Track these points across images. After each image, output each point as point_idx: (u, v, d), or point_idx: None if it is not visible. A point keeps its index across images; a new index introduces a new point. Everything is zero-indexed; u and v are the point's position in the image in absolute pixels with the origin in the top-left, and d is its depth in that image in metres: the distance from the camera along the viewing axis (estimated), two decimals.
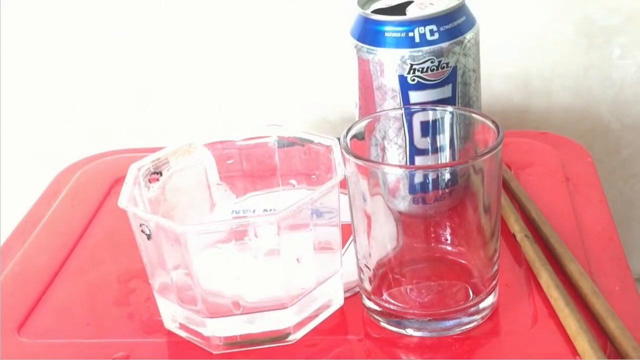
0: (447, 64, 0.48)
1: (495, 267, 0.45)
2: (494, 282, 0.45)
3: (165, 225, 0.41)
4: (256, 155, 0.50)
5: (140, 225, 0.42)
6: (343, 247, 0.47)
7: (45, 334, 0.47)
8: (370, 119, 0.47)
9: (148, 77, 0.74)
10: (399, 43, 0.48)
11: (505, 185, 0.55)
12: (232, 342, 0.44)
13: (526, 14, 0.69)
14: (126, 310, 0.48)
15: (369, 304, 0.45)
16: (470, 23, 0.49)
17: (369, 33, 0.49)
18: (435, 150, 0.48)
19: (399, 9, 0.49)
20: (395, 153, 0.48)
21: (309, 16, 0.71)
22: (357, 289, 0.46)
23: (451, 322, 0.44)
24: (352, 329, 0.45)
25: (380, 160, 0.48)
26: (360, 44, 0.49)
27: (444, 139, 0.47)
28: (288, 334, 0.44)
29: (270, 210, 0.51)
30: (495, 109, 0.72)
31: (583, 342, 0.41)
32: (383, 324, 0.45)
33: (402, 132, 0.48)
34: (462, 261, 0.46)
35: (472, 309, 0.44)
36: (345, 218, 0.45)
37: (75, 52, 0.74)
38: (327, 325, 0.45)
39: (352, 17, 0.50)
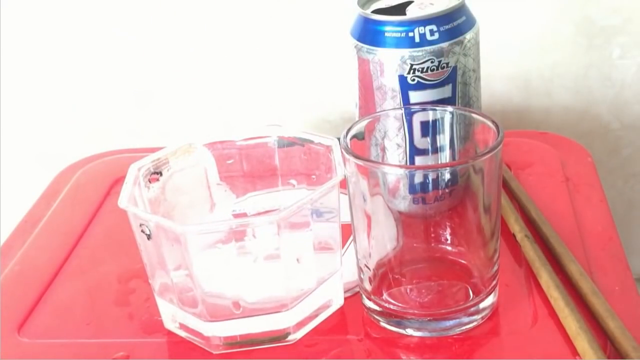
0: (447, 64, 0.48)
1: (495, 267, 0.45)
2: (494, 282, 0.45)
3: (165, 225, 0.41)
4: (256, 155, 0.50)
5: (140, 225, 0.42)
6: (343, 247, 0.47)
7: (45, 334, 0.47)
8: (370, 119, 0.47)
9: (148, 77, 0.74)
10: (399, 43, 0.48)
11: (505, 185, 0.55)
12: (232, 342, 0.44)
13: (526, 14, 0.69)
14: (126, 310, 0.48)
15: (369, 304, 0.45)
16: (470, 23, 0.49)
17: (369, 33, 0.49)
18: (435, 150, 0.48)
19: (399, 9, 0.49)
20: (395, 153, 0.48)
21: (309, 16, 0.71)
22: (357, 289, 0.46)
23: (451, 322, 0.44)
24: (352, 329, 0.45)
25: (380, 160, 0.48)
26: (360, 44, 0.49)
27: (444, 139, 0.47)
28: (288, 334, 0.44)
29: (270, 210, 0.51)
30: (495, 109, 0.72)
31: (583, 342, 0.41)
32: (383, 324, 0.45)
33: (402, 132, 0.48)
34: (462, 261, 0.46)
35: (472, 309, 0.44)
36: (345, 218, 0.45)
37: (75, 52, 0.74)
38: (327, 325, 0.45)
39: (352, 17, 0.50)
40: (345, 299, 0.47)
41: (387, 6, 0.50)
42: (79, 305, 0.49)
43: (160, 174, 0.47)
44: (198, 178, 0.49)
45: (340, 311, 0.46)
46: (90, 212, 0.58)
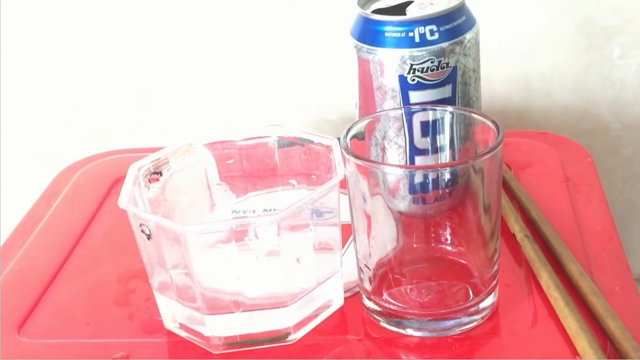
0: (447, 64, 0.48)
1: (495, 267, 0.45)
2: (494, 282, 0.45)
3: (165, 225, 0.41)
4: (256, 155, 0.50)
5: (140, 225, 0.42)
6: (343, 247, 0.47)
7: (45, 334, 0.47)
8: (370, 119, 0.47)
9: (148, 77, 0.74)
10: (399, 43, 0.48)
11: (505, 185, 0.55)
12: (232, 342, 0.44)
13: (526, 14, 0.69)
14: (126, 310, 0.48)
15: (369, 304, 0.45)
16: (470, 23, 0.49)
17: (369, 33, 0.49)
18: (435, 150, 0.48)
19: (399, 9, 0.49)
20: (395, 153, 0.48)
21: (309, 16, 0.71)
22: (357, 289, 0.46)
23: (451, 322, 0.44)
24: (352, 329, 0.45)
25: (380, 160, 0.48)
26: (360, 44, 0.49)
27: (444, 139, 0.47)
28: (288, 334, 0.44)
29: (270, 210, 0.51)
30: (495, 109, 0.72)
31: (583, 342, 0.41)
32: (383, 324, 0.45)
33: (402, 132, 0.48)
34: (462, 261, 0.46)
35: (472, 309, 0.44)
36: (345, 218, 0.45)
37: (76, 52, 0.74)
38: (327, 325, 0.45)
39: (352, 17, 0.50)
40: (345, 299, 0.47)
41: (387, 6, 0.50)
42: (79, 305, 0.49)
43: (160, 174, 0.47)
44: (198, 178, 0.49)
45: (340, 311, 0.46)
46: (90, 212, 0.58)
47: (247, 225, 0.41)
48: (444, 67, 0.48)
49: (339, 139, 0.45)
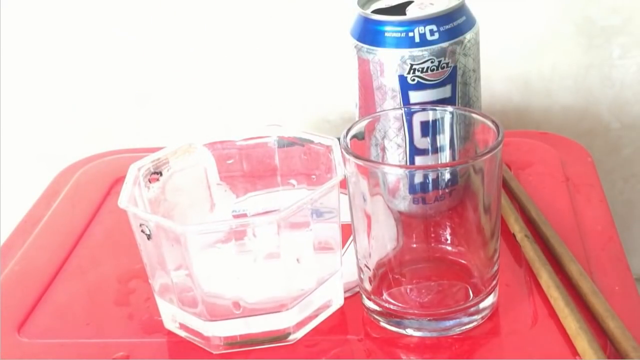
0: (447, 64, 0.48)
1: (495, 267, 0.45)
2: (494, 282, 0.45)
3: (165, 225, 0.41)
4: (256, 155, 0.50)
5: (140, 225, 0.42)
6: (343, 247, 0.47)
7: (45, 334, 0.47)
8: (370, 119, 0.47)
9: (148, 77, 0.74)
10: (399, 43, 0.48)
11: (505, 185, 0.55)
12: (232, 342, 0.44)
13: (526, 14, 0.69)
14: (126, 310, 0.48)
15: (369, 304, 0.45)
16: (470, 23, 0.49)
17: (369, 33, 0.49)
18: (435, 150, 0.48)
19: (399, 9, 0.49)
20: (395, 153, 0.48)
21: (309, 16, 0.71)
22: (357, 289, 0.46)
23: (451, 322, 0.44)
24: (352, 329, 0.45)
25: (380, 160, 0.48)
26: (360, 44, 0.49)
27: (444, 139, 0.47)
28: (288, 334, 0.44)
29: (270, 210, 0.51)
30: (495, 109, 0.72)
31: (583, 342, 0.41)
32: (383, 324, 0.45)
33: (402, 132, 0.48)
34: (462, 261, 0.46)
35: (472, 309, 0.44)
36: (345, 218, 0.45)
37: (75, 52, 0.74)
38: (327, 325, 0.45)
39: (352, 17, 0.50)
40: (345, 299, 0.47)
41: (387, 6, 0.50)
42: (79, 305, 0.49)
43: (160, 174, 0.47)
44: (198, 178, 0.49)
45: (340, 311, 0.46)
46: (90, 212, 0.58)
47: (246, 225, 0.41)
48: (444, 67, 0.48)
49: (339, 139, 0.45)
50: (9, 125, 0.77)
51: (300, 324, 0.44)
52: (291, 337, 0.44)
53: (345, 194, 0.44)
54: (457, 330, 0.44)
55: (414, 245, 0.46)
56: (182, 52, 0.73)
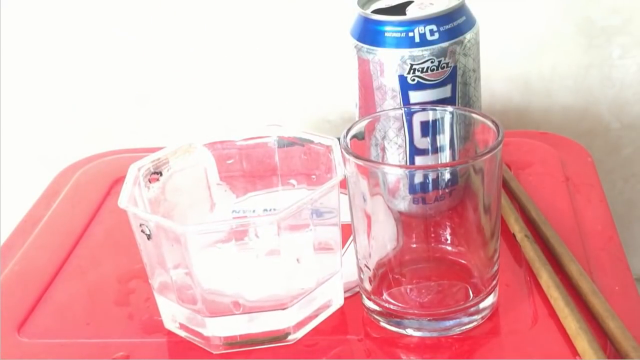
0: (447, 64, 0.48)
1: (495, 267, 0.45)
2: (494, 282, 0.45)
3: (165, 225, 0.41)
4: (256, 155, 0.50)
5: (140, 225, 0.42)
6: (343, 247, 0.47)
7: (45, 334, 0.47)
8: (370, 119, 0.47)
9: (148, 77, 0.74)
10: (399, 43, 0.48)
11: (505, 185, 0.55)
12: (232, 342, 0.44)
13: (526, 14, 0.69)
14: (126, 310, 0.48)
15: (369, 304, 0.45)
16: (470, 23, 0.49)
17: (369, 33, 0.49)
18: (435, 150, 0.48)
19: (399, 9, 0.49)
20: (395, 153, 0.48)
21: (309, 16, 0.71)
22: (357, 289, 0.46)
23: (451, 322, 0.44)
24: (352, 329, 0.45)
25: (380, 160, 0.48)
26: (360, 44, 0.49)
27: (444, 139, 0.47)
28: (288, 334, 0.44)
29: (270, 210, 0.51)
30: (495, 109, 0.72)
31: (583, 342, 0.41)
32: (383, 324, 0.45)
33: (402, 132, 0.48)
34: (462, 261, 0.46)
35: (472, 309, 0.44)
36: (345, 218, 0.45)
37: (75, 52, 0.74)
38: (327, 325, 0.45)
39: (352, 17, 0.50)
40: (345, 299, 0.47)
41: (387, 6, 0.50)
42: (79, 305, 0.49)
43: (160, 174, 0.47)
44: (198, 178, 0.49)
45: (340, 311, 0.46)
46: (90, 212, 0.58)
47: (247, 225, 0.41)
48: (444, 67, 0.48)
49: (339, 139, 0.45)
50: (9, 125, 0.77)
51: (300, 324, 0.44)
52: (291, 337, 0.44)
53: (345, 194, 0.44)
54: (457, 330, 0.44)
55: (414, 245, 0.46)
56: (182, 52, 0.73)
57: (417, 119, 0.47)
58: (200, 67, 0.73)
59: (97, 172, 0.63)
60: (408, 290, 0.46)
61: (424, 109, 0.47)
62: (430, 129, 0.47)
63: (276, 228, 0.41)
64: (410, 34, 0.48)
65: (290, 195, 0.50)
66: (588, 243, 0.50)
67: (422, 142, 0.48)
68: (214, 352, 0.44)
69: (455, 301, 0.44)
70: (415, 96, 0.49)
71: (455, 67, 0.48)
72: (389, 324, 0.45)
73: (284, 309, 0.43)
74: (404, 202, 0.45)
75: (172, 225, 0.41)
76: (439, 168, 0.45)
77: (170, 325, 0.46)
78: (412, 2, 0.50)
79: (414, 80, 0.48)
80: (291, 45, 0.72)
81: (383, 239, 0.45)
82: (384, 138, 0.48)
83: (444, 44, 0.48)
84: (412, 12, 0.49)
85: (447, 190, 0.43)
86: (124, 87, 0.75)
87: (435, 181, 0.42)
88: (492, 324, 0.45)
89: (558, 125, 0.72)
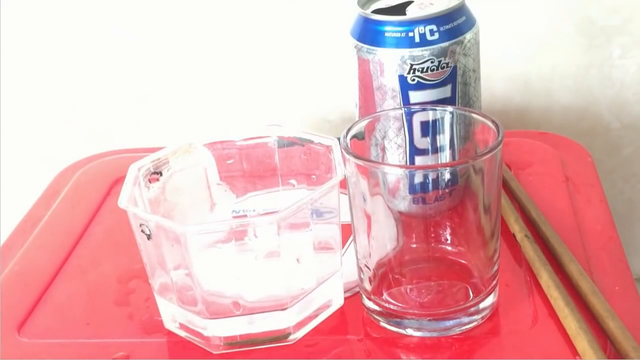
0: (447, 64, 0.48)
1: (495, 267, 0.45)
2: (494, 282, 0.45)
3: (165, 225, 0.41)
4: (256, 155, 0.50)
5: (140, 225, 0.42)
6: (343, 247, 0.47)
7: (45, 334, 0.47)
8: (370, 119, 0.47)
9: (148, 77, 0.74)
10: (399, 43, 0.48)
11: (505, 185, 0.55)
12: (232, 342, 0.44)
13: (526, 14, 0.69)
14: (126, 310, 0.48)
15: (369, 304, 0.45)
16: (470, 23, 0.49)
17: (369, 33, 0.49)
18: (435, 150, 0.48)
19: (399, 9, 0.49)
20: (395, 153, 0.48)
21: (309, 16, 0.71)
22: (357, 289, 0.46)
23: (451, 322, 0.44)
24: (352, 329, 0.45)
25: (380, 160, 0.48)
26: (360, 44, 0.49)
27: (444, 139, 0.47)
28: (288, 334, 0.44)
29: (270, 210, 0.51)
30: (495, 108, 0.72)
31: (583, 342, 0.41)
32: (383, 324, 0.45)
33: (402, 132, 0.48)
34: (462, 261, 0.46)
35: (472, 309, 0.44)
36: (345, 218, 0.45)
37: (75, 52, 0.74)
38: (327, 325, 0.45)
39: (352, 17, 0.50)
40: (345, 299, 0.47)
41: (387, 6, 0.50)
42: (79, 305, 0.49)
43: (160, 174, 0.47)
44: (198, 178, 0.49)
45: (340, 311, 0.46)
46: (90, 212, 0.58)
47: (247, 225, 0.41)
48: (444, 67, 0.48)
49: (339, 139, 0.45)
50: (9, 125, 0.77)
51: (300, 324, 0.44)
52: (291, 337, 0.44)
53: (345, 194, 0.44)
54: (457, 330, 0.44)
55: (414, 245, 0.46)
56: (182, 52, 0.73)
57: (417, 119, 0.47)
58: (200, 67, 0.73)
59: (97, 172, 0.63)
60: (408, 290, 0.46)
61: (424, 109, 0.47)
62: (430, 129, 0.47)
63: (276, 228, 0.41)
64: (410, 34, 0.48)
65: (290, 195, 0.50)
66: (588, 243, 0.50)
67: (422, 142, 0.48)
68: (214, 352, 0.44)
69: (455, 301, 0.44)
70: (415, 96, 0.49)
71: (455, 67, 0.48)
72: (389, 324, 0.45)
73: (284, 309, 0.43)
74: (404, 202, 0.45)
75: (172, 225, 0.41)
76: (439, 168, 0.45)
77: (170, 325, 0.46)
78: (412, 2, 0.50)
79: (414, 80, 0.48)
80: (291, 46, 0.72)
81: (383, 239, 0.45)
82: (384, 138, 0.48)
83: (444, 44, 0.48)
84: (412, 12, 0.49)
85: (447, 190, 0.43)
86: (124, 87, 0.75)
87: (435, 181, 0.42)
88: (492, 324, 0.45)
89: (558, 125, 0.72)
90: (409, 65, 0.48)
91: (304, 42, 0.72)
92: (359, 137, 0.45)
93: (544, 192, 0.55)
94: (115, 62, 0.74)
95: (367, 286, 0.45)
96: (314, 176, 0.48)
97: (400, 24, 0.48)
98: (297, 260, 0.44)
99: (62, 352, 0.45)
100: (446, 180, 0.42)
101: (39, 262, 0.53)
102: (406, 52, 0.48)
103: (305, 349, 0.44)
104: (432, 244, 0.46)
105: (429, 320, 0.44)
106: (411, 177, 0.44)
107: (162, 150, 0.47)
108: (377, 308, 0.45)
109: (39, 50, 0.74)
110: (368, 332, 0.45)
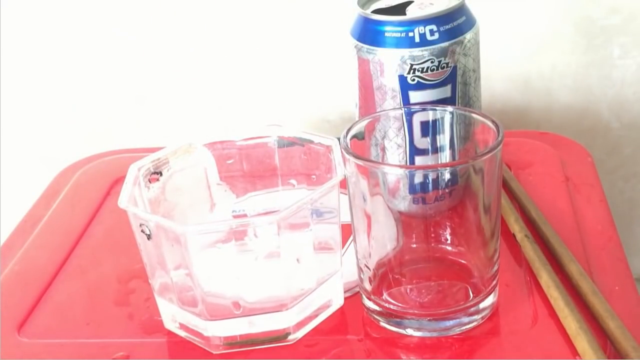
0: (447, 64, 0.48)
1: (495, 267, 0.45)
2: (494, 282, 0.45)
3: (165, 225, 0.41)
4: (256, 155, 0.50)
5: (140, 225, 0.42)
6: (343, 247, 0.47)
7: (45, 334, 0.47)
8: (370, 119, 0.47)
9: (148, 77, 0.74)
10: (399, 43, 0.48)
11: (505, 185, 0.55)
12: (232, 342, 0.44)
13: (526, 13, 0.69)
14: (126, 310, 0.48)
15: (369, 304, 0.45)
16: (470, 23, 0.49)
17: (369, 33, 0.49)
18: (435, 150, 0.48)
19: (399, 9, 0.49)
20: (395, 153, 0.48)
21: (309, 16, 0.71)
22: (357, 289, 0.46)
23: (451, 322, 0.44)
24: (352, 329, 0.45)
25: (380, 160, 0.48)
26: (360, 44, 0.49)
27: (444, 139, 0.47)
28: (288, 334, 0.44)
29: (270, 210, 0.51)
30: (495, 108, 0.72)
31: (583, 342, 0.41)
32: (383, 324, 0.45)
33: (402, 132, 0.48)
34: (462, 261, 0.46)
35: (472, 309, 0.44)
36: (345, 218, 0.45)
37: (75, 52, 0.74)
38: (327, 325, 0.45)
39: (352, 17, 0.50)
40: (345, 299, 0.47)
41: (387, 6, 0.50)
42: (79, 305, 0.49)
43: (160, 174, 0.47)
44: (198, 178, 0.49)
45: (340, 311, 0.46)
46: (90, 212, 0.58)
47: (247, 225, 0.41)
48: (444, 67, 0.48)
49: (339, 139, 0.45)
50: (9, 125, 0.77)
51: (300, 324, 0.44)
52: (291, 337, 0.44)
53: (345, 194, 0.44)
54: (457, 330, 0.44)
55: (414, 245, 0.46)
56: (182, 52, 0.73)
57: (417, 119, 0.47)
58: (200, 67, 0.73)
59: (97, 172, 0.63)
60: (408, 290, 0.46)
61: (424, 109, 0.47)
62: (430, 129, 0.47)
63: (276, 228, 0.41)
64: (410, 34, 0.48)
65: (290, 195, 0.50)
66: (588, 243, 0.50)
67: (422, 142, 0.48)
68: (214, 352, 0.44)
69: (455, 301, 0.44)
70: (415, 96, 0.49)
71: (455, 67, 0.48)
72: (389, 324, 0.45)
73: (284, 309, 0.43)
74: (404, 202, 0.45)
75: (172, 225, 0.41)
76: (439, 168, 0.45)
77: (170, 325, 0.46)
78: (412, 2, 0.50)
79: (414, 80, 0.48)
80: (291, 46, 0.72)
81: (383, 239, 0.45)
82: (384, 138, 0.48)
83: (444, 44, 0.48)
84: (412, 12, 0.49)
85: (447, 190, 0.43)
86: (123, 87, 0.75)
87: (435, 181, 0.42)
88: (492, 324, 0.45)
89: (558, 124, 0.72)
90: (409, 65, 0.48)
91: (304, 42, 0.72)
92: (359, 137, 0.45)
93: (544, 192, 0.55)
94: (115, 62, 0.74)
95: (367, 286, 0.45)
96: (314, 176, 0.48)
97: (400, 24, 0.48)
98: (297, 260, 0.44)
99: (62, 352, 0.45)
100: (446, 180, 0.42)
101: (39, 262, 0.53)
102: (406, 52, 0.48)
103: (305, 349, 0.44)
104: (432, 244, 0.46)
105: (429, 320, 0.44)
106: (411, 177, 0.44)
107: (162, 150, 0.47)
108: (377, 308, 0.45)
109: (39, 50, 0.74)
110: (368, 332, 0.45)
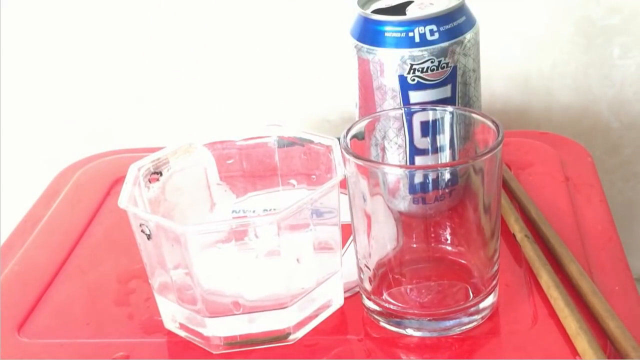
0: (447, 64, 0.48)
1: (495, 267, 0.45)
2: (494, 282, 0.45)
3: (165, 225, 0.41)
4: (256, 155, 0.50)
5: (140, 225, 0.42)
6: (343, 247, 0.47)
7: (45, 334, 0.47)
8: (370, 119, 0.47)
9: (148, 77, 0.74)
10: (399, 43, 0.48)
11: (505, 185, 0.55)
12: (232, 342, 0.44)
13: (526, 13, 0.69)
14: (126, 310, 0.48)
15: (369, 304, 0.45)
16: (470, 23, 0.49)
17: (369, 33, 0.49)
18: (435, 150, 0.48)
19: (399, 9, 0.49)
20: (395, 153, 0.48)
21: (309, 16, 0.71)
22: (357, 289, 0.46)
23: (451, 322, 0.44)
24: (352, 329, 0.45)
25: (380, 160, 0.48)
26: (360, 44, 0.49)
27: (444, 139, 0.47)
28: (288, 334, 0.44)
29: (270, 210, 0.51)
30: (495, 108, 0.72)
31: (583, 342, 0.41)
32: (383, 324, 0.45)
33: (402, 132, 0.48)
34: (462, 261, 0.46)
35: (472, 309, 0.44)
36: (345, 218, 0.45)
37: (75, 52, 0.74)
38: (327, 325, 0.45)
39: (352, 17, 0.50)
40: (345, 299, 0.47)
41: (387, 6, 0.50)
42: (79, 305, 0.49)
43: (160, 174, 0.47)
44: (198, 178, 0.49)
45: (340, 311, 0.46)
46: (90, 212, 0.58)
47: (247, 225, 0.41)
48: (444, 67, 0.48)
49: (339, 139, 0.45)
50: (9, 125, 0.77)
51: (300, 324, 0.44)
52: (291, 337, 0.44)
53: (345, 194, 0.44)
54: (457, 330, 0.44)
55: (414, 245, 0.46)
56: (182, 52, 0.73)
57: (417, 119, 0.47)
58: (200, 67, 0.73)
59: (97, 172, 0.63)
60: (408, 290, 0.46)
61: (424, 109, 0.47)
62: (430, 129, 0.47)
63: (276, 228, 0.41)
64: (410, 34, 0.48)
65: (290, 195, 0.50)
66: (588, 243, 0.50)
67: (422, 142, 0.48)
68: (214, 352, 0.44)
69: (455, 301, 0.44)
70: (415, 96, 0.49)
71: (455, 67, 0.48)
72: (389, 324, 0.45)
73: (284, 308, 0.43)
74: (404, 202, 0.45)
75: (172, 225, 0.41)
76: (439, 168, 0.45)
77: (170, 325, 0.46)
78: (412, 2, 0.50)
79: (414, 80, 0.48)
80: (291, 46, 0.72)
81: (383, 239, 0.45)
82: (384, 138, 0.48)
83: (444, 44, 0.48)
84: (412, 12, 0.49)
85: (447, 190, 0.43)
86: (123, 87, 0.75)
87: (435, 181, 0.42)
88: (492, 324, 0.45)
89: (558, 124, 0.72)
90: (409, 65, 0.48)
91: (304, 42, 0.72)
92: (359, 137, 0.46)
93: (544, 192, 0.55)
94: (115, 62, 0.74)
95: (367, 286, 0.45)
96: (314, 176, 0.48)
97: (400, 24, 0.48)
98: (297, 260, 0.44)
99: (62, 352, 0.45)
100: (446, 180, 0.42)
101: (39, 262, 0.53)
102: (406, 52, 0.48)
103: (305, 349, 0.44)
104: (432, 244, 0.46)
105: (429, 320, 0.44)
106: (411, 177, 0.44)
107: (162, 150, 0.47)
108: (377, 308, 0.45)
109: (39, 50, 0.74)
110: (368, 332, 0.45)
